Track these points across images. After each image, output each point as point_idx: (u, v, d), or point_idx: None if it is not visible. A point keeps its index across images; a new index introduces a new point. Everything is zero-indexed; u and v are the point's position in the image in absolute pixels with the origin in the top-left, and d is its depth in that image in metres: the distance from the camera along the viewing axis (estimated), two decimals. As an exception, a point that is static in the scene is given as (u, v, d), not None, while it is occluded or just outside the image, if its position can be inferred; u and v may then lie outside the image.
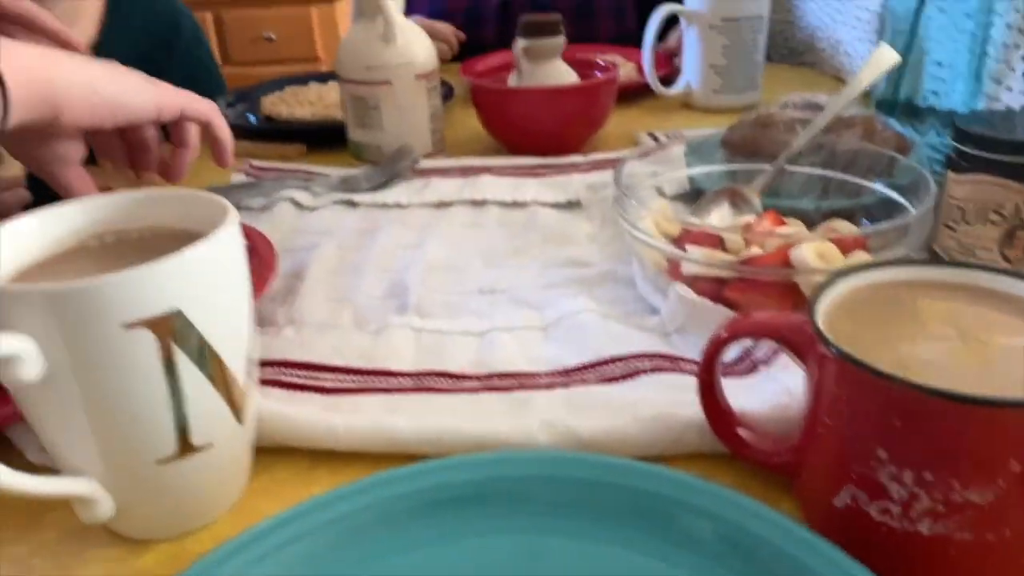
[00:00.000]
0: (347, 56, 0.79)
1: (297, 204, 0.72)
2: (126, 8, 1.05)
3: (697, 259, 0.46)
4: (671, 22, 0.99)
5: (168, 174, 0.56)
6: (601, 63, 0.90)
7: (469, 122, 0.93)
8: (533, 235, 0.64)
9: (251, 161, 0.83)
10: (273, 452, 0.40)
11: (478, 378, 0.45)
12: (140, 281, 0.30)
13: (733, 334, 0.34)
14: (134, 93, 0.47)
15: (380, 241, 0.64)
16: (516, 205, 0.70)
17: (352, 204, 0.73)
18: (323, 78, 1.08)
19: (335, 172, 0.80)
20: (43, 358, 0.30)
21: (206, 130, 0.54)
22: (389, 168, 0.77)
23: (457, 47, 1.20)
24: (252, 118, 0.97)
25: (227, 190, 0.74)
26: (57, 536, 0.37)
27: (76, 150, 0.49)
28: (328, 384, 0.45)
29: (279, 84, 1.07)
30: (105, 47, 1.02)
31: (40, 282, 0.32)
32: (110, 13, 1.04)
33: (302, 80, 1.08)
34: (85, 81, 0.44)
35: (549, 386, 0.43)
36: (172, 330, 0.31)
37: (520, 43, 0.83)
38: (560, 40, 0.83)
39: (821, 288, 0.32)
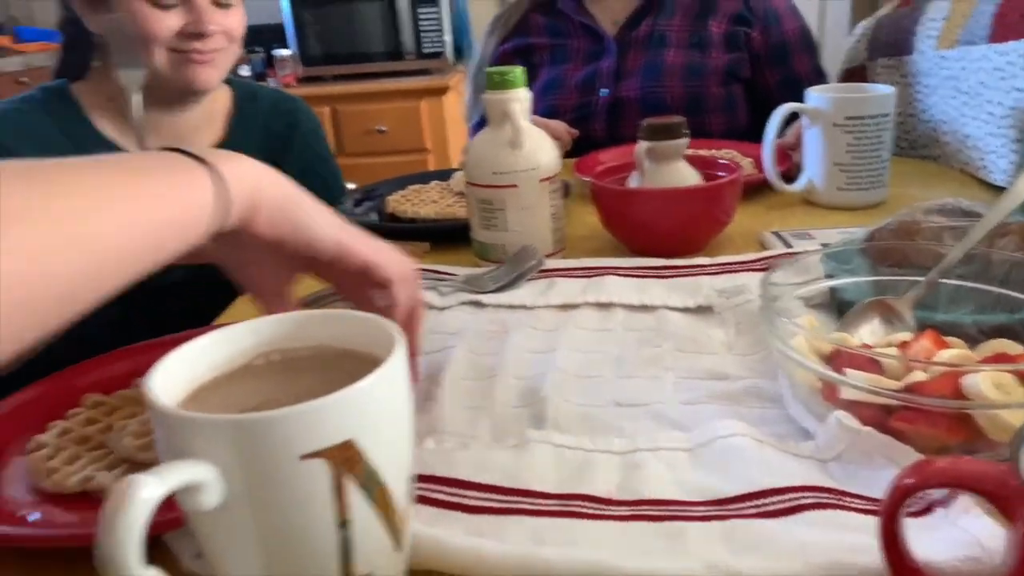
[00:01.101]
0: (475, 161, 0.81)
1: (428, 305, 0.73)
2: (250, 108, 1.12)
3: (859, 385, 0.44)
4: (789, 116, 0.98)
5: None
6: (723, 162, 0.90)
7: (587, 219, 0.94)
8: (665, 343, 0.62)
9: (380, 260, 0.85)
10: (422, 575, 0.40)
11: (626, 504, 0.43)
12: (319, 413, 0.30)
13: (922, 482, 0.32)
14: (322, 224, 0.47)
15: (510, 345, 0.64)
16: (643, 308, 0.69)
17: (479, 304, 0.73)
18: (443, 176, 1.12)
19: (460, 271, 0.81)
20: (222, 486, 0.30)
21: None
22: (513, 268, 0.78)
23: (570, 144, 1.22)
24: (376, 216, 1.00)
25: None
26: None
27: (262, 257, 0.48)
28: (472, 503, 0.44)
29: (401, 182, 1.10)
30: (230, 144, 1.09)
31: (211, 404, 0.33)
32: (237, 113, 1.11)
33: (423, 178, 1.12)
34: (281, 196, 0.45)
35: (704, 518, 0.41)
36: (344, 459, 0.31)
37: (643, 144, 0.84)
38: (683, 142, 0.84)
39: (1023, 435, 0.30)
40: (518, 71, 0.80)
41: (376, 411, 0.32)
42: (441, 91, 2.67)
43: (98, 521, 0.27)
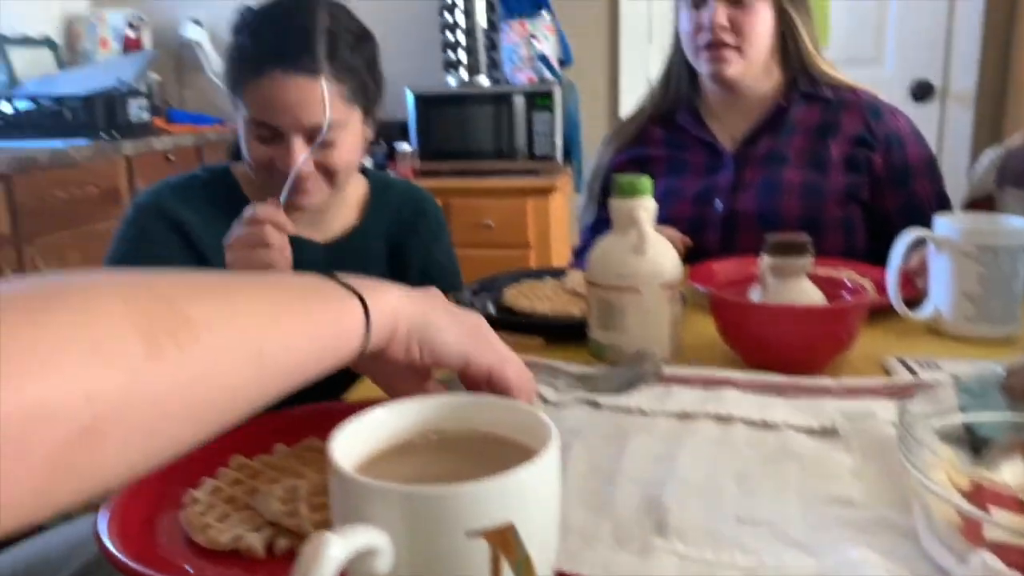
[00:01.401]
0: (599, 262, 0.84)
1: (543, 399, 0.75)
2: (383, 197, 1.19)
3: (1008, 526, 0.43)
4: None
5: None
6: (848, 283, 0.89)
7: (701, 328, 0.95)
8: (789, 464, 0.62)
9: (499, 352, 0.88)
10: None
11: (755, 622, 0.43)
12: (489, 493, 0.32)
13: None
14: (450, 341, 0.51)
15: (629, 450, 0.64)
16: (765, 426, 0.69)
17: (595, 405, 0.74)
18: (557, 274, 1.15)
19: (575, 368, 0.82)
20: (392, 555, 0.32)
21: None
22: (630, 372, 0.79)
23: (684, 253, 1.24)
24: (493, 308, 1.04)
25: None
26: None
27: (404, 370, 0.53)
28: (598, 604, 0.44)
29: (516, 277, 1.14)
30: (363, 228, 1.15)
31: (379, 476, 0.35)
32: (371, 201, 1.18)
33: (538, 275, 1.15)
34: (415, 322, 0.49)
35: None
36: (504, 542, 0.32)
37: (767, 260, 0.85)
38: (808, 260, 0.84)
39: None
40: (645, 180, 0.83)
41: (535, 498, 0.34)
42: (548, 191, 2.75)
43: (295, 566, 0.30)
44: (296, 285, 0.44)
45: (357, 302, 0.45)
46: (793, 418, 0.69)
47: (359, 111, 1.06)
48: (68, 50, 3.07)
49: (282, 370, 0.39)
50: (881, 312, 0.98)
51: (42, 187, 2.17)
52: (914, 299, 0.98)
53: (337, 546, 0.30)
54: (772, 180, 1.29)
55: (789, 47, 1.33)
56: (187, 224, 1.02)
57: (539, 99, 2.73)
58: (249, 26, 1.01)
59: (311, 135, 1.00)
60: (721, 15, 1.27)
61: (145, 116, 2.70)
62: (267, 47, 0.98)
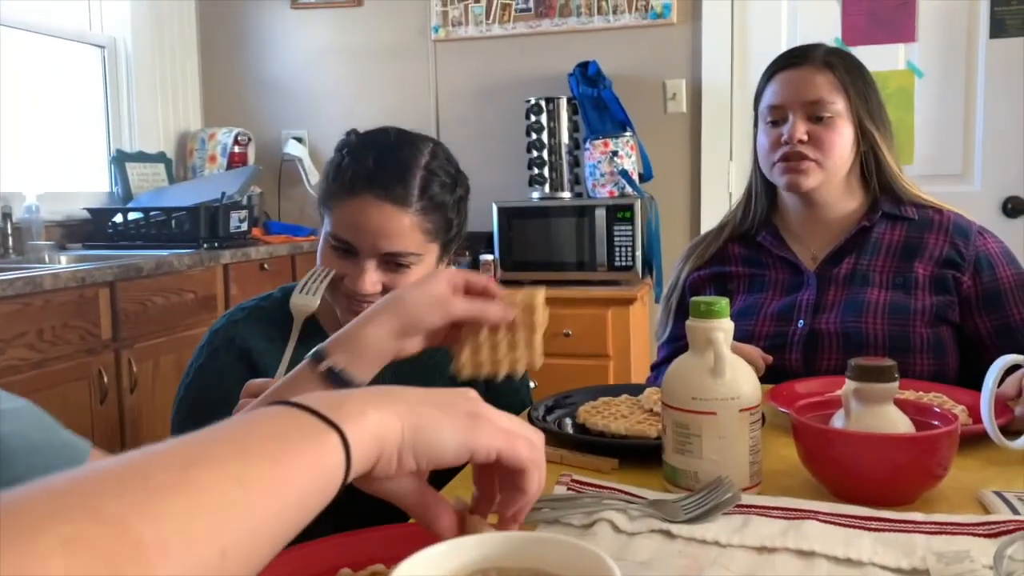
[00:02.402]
0: (675, 384, 0.83)
1: (615, 527, 0.73)
2: None
3: None
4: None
5: (501, 520, 0.55)
6: (937, 410, 0.85)
7: (782, 451, 0.91)
8: (877, 607, 0.58)
9: (572, 475, 0.86)
10: None
11: None
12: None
13: None
14: (447, 438, 0.49)
15: (703, 585, 0.61)
16: (850, 563, 0.65)
17: (669, 535, 0.72)
18: (634, 391, 1.13)
19: (648, 494, 0.80)
20: None
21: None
22: (707, 499, 0.76)
23: (763, 371, 1.21)
24: (569, 424, 1.03)
25: (549, 501, 0.77)
26: None
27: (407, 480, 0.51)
28: None
29: (592, 393, 1.13)
30: (433, 348, 1.16)
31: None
32: None
33: (614, 391, 1.14)
34: (404, 436, 0.47)
35: None
36: None
37: (850, 385, 0.82)
38: (894, 386, 0.81)
39: None
40: (723, 302, 0.83)
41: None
42: (628, 301, 2.75)
43: None
44: (269, 431, 0.42)
45: (335, 437, 0.43)
46: (880, 555, 0.65)
47: (437, 250, 1.08)
48: (180, 165, 3.32)
49: (249, 551, 0.37)
50: (976, 441, 0.92)
51: (144, 293, 2.30)
52: (1011, 427, 0.92)
53: None
54: (855, 300, 1.26)
55: (871, 166, 1.33)
56: (253, 351, 1.05)
57: (620, 212, 2.78)
58: (353, 148, 1.06)
59: (386, 261, 1.03)
60: (800, 129, 1.28)
61: (244, 227, 2.86)
62: (364, 171, 1.02)
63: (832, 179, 1.31)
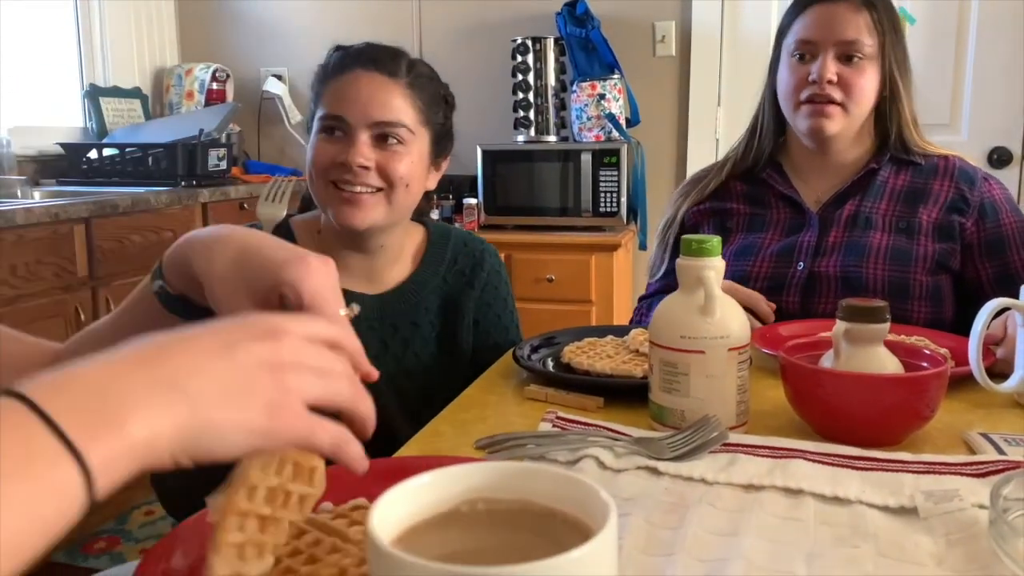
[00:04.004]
0: (663, 322, 0.81)
1: (600, 463, 0.72)
2: (441, 247, 1.19)
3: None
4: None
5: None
6: (927, 352, 0.84)
7: (769, 393, 0.91)
8: (864, 543, 0.57)
9: (557, 412, 0.85)
10: None
11: None
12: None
13: None
14: (235, 442, 0.42)
15: (689, 521, 0.61)
16: (838, 501, 0.64)
17: (655, 472, 0.71)
18: (619, 332, 1.12)
19: (633, 431, 0.79)
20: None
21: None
22: (693, 437, 0.75)
23: (772, 319, 1.18)
24: (552, 365, 1.01)
25: (534, 438, 0.76)
26: None
27: None
28: None
29: (578, 334, 1.12)
30: (417, 279, 1.15)
31: (420, 547, 0.33)
32: (428, 250, 1.18)
33: (600, 332, 1.13)
34: (182, 443, 0.40)
35: None
36: (553, 629, 0.30)
37: (841, 325, 0.81)
38: (885, 327, 0.80)
39: None
40: (715, 240, 0.81)
41: (587, 580, 0.31)
42: (612, 247, 2.73)
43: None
44: None
45: (70, 465, 0.35)
46: (868, 494, 0.64)
47: (427, 138, 1.09)
48: (156, 101, 3.23)
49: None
50: (961, 384, 0.92)
51: (121, 231, 2.25)
52: (993, 369, 0.92)
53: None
54: (857, 243, 1.24)
55: (888, 114, 1.29)
56: None
57: (606, 157, 2.74)
58: (341, 47, 1.10)
59: (377, 136, 1.04)
60: (831, 69, 1.22)
61: (223, 165, 2.80)
62: (355, 51, 1.07)
63: (854, 125, 1.27)
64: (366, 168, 1.03)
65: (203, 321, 0.46)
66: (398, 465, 0.63)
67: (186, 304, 0.64)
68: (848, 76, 1.23)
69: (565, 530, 0.32)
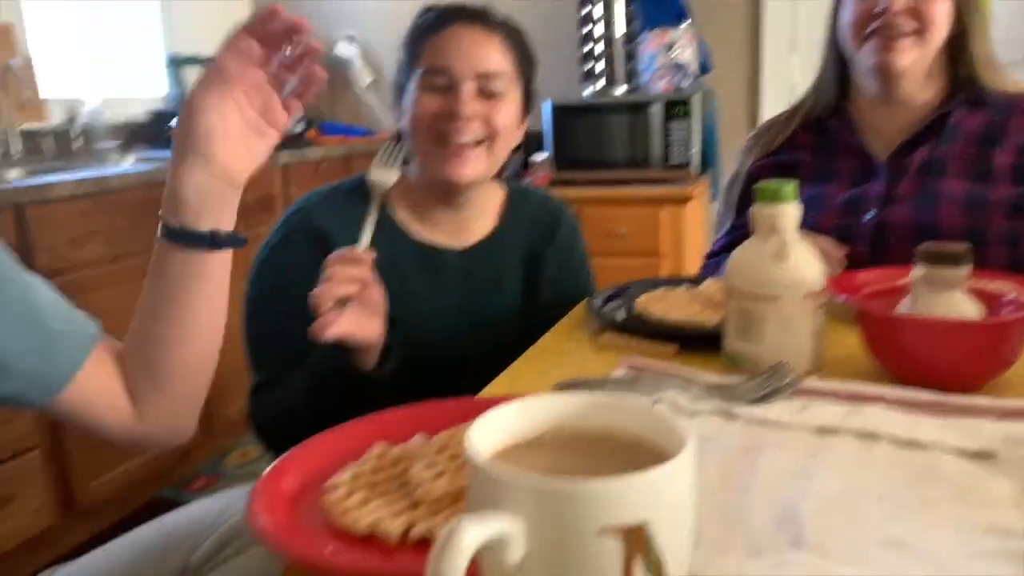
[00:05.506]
0: (738, 269, 0.82)
1: (675, 407, 0.74)
2: (521, 206, 1.21)
3: None
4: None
5: None
6: (1008, 297, 0.83)
7: (845, 341, 0.91)
8: (940, 488, 0.58)
9: (631, 358, 0.87)
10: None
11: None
12: (625, 491, 0.32)
13: None
14: None
15: (763, 463, 0.62)
16: (912, 445, 0.65)
17: (730, 415, 0.73)
18: (694, 282, 1.13)
19: (708, 377, 0.81)
20: (524, 545, 0.33)
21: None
22: (768, 383, 0.77)
23: (842, 267, 1.16)
24: (625, 315, 1.03)
25: (608, 383, 0.78)
26: None
27: None
28: (730, 613, 0.44)
29: (652, 284, 1.13)
30: (500, 235, 1.18)
31: (511, 466, 0.36)
32: (509, 209, 1.20)
33: (673, 282, 1.14)
34: None
35: None
36: (637, 541, 0.33)
37: (919, 270, 0.80)
38: (965, 271, 0.79)
39: None
40: (791, 186, 0.81)
41: (669, 500, 0.34)
42: (683, 200, 2.71)
43: (432, 550, 0.31)
44: None
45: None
46: (945, 438, 0.64)
47: (519, 92, 1.11)
48: (233, 67, 3.31)
49: None
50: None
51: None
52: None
53: (471, 532, 0.31)
54: (929, 191, 1.21)
55: (959, 51, 1.24)
56: (328, 235, 1.06)
57: (676, 107, 2.70)
58: (431, 7, 1.12)
59: (481, 89, 1.06)
60: None
61: (299, 128, 2.87)
62: (452, 9, 1.09)
63: (925, 60, 1.21)
64: (473, 118, 1.05)
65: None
66: (484, 404, 0.67)
67: (184, 232, 0.72)
68: (919, 5, 1.17)
69: (646, 456, 0.34)
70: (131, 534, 0.87)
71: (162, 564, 0.82)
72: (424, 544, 0.51)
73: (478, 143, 1.06)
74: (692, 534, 0.36)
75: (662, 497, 0.33)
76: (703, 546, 0.50)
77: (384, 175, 1.01)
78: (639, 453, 0.36)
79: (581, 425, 0.41)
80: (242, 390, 1.09)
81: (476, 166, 1.07)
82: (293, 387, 0.98)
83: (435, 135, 1.05)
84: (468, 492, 0.36)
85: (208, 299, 0.74)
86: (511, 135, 1.10)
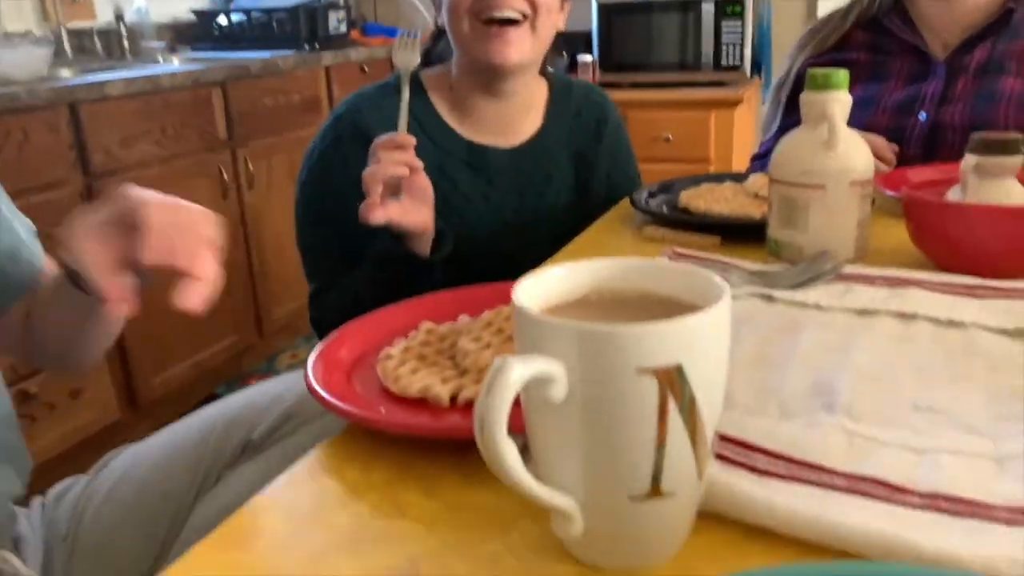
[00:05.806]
0: (785, 158, 0.82)
1: (716, 291, 0.75)
2: (565, 100, 1.20)
3: None
4: None
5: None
6: (1062, 188, 0.82)
7: (889, 232, 0.90)
8: (976, 361, 0.59)
9: (674, 247, 0.89)
10: (706, 517, 0.42)
11: (920, 495, 0.43)
12: (661, 334, 0.34)
13: None
14: None
15: (802, 341, 0.64)
16: (952, 324, 0.66)
17: (769, 299, 0.74)
18: (738, 178, 1.12)
19: (751, 266, 0.82)
20: (567, 384, 0.35)
21: None
22: (810, 269, 0.78)
23: (893, 164, 1.14)
24: (668, 209, 1.04)
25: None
26: (524, 543, 0.42)
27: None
28: (760, 465, 0.46)
29: (695, 180, 1.13)
30: (546, 132, 1.17)
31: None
32: (553, 104, 1.20)
33: (718, 178, 1.13)
34: None
35: (1010, 521, 0.40)
36: (672, 382, 0.35)
37: (970, 159, 0.79)
38: (1018, 160, 0.78)
39: None
40: (842, 73, 0.79)
41: (703, 346, 0.36)
42: (733, 104, 2.65)
43: (482, 385, 0.34)
44: None
45: None
46: (985, 318, 0.65)
47: None
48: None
49: None
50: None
51: (253, 94, 2.36)
52: None
53: (518, 369, 0.34)
54: (988, 91, 1.17)
55: None
56: (375, 133, 1.07)
57: (729, 6, 2.61)
58: None
59: None
60: None
61: (343, 29, 2.85)
62: None
63: None
64: None
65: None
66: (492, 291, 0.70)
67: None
68: None
69: (683, 312, 0.36)
70: (195, 414, 0.92)
71: (226, 439, 0.87)
72: (470, 407, 0.54)
73: (520, 21, 1.03)
74: (724, 386, 0.39)
75: (696, 343, 0.35)
76: (735, 410, 0.52)
77: (406, 57, 1.00)
78: (677, 310, 0.37)
79: (622, 287, 0.43)
80: (291, 295, 1.12)
81: (520, 47, 1.04)
82: (355, 279, 1.02)
83: (475, 13, 1.02)
84: (515, 339, 0.38)
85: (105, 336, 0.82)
86: (554, 14, 1.07)
